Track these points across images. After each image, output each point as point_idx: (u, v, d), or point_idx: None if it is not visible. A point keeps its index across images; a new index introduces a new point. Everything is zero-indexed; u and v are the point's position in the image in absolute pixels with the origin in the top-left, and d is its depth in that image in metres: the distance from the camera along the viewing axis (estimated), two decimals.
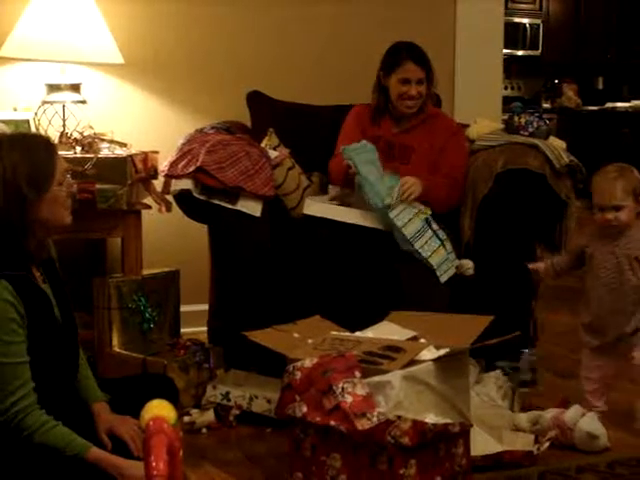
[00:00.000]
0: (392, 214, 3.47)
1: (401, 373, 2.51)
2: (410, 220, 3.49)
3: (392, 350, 2.66)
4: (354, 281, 3.46)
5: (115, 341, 3.51)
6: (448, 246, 3.51)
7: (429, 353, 2.64)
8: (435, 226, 3.54)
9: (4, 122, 3.73)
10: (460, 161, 3.80)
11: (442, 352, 2.62)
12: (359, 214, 3.57)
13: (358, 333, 2.94)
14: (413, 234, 3.45)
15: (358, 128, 3.88)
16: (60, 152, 3.41)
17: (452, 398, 2.58)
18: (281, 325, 3.06)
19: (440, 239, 3.50)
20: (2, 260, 2.32)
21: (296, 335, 2.96)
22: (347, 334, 2.92)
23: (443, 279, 3.45)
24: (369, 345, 2.73)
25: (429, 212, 3.56)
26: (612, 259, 3.10)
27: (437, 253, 3.47)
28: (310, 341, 2.87)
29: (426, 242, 3.46)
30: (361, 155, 3.60)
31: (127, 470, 2.33)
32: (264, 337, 2.95)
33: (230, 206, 3.48)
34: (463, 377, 2.68)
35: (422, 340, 2.83)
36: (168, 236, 4.16)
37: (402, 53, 3.79)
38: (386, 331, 2.92)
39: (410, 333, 2.88)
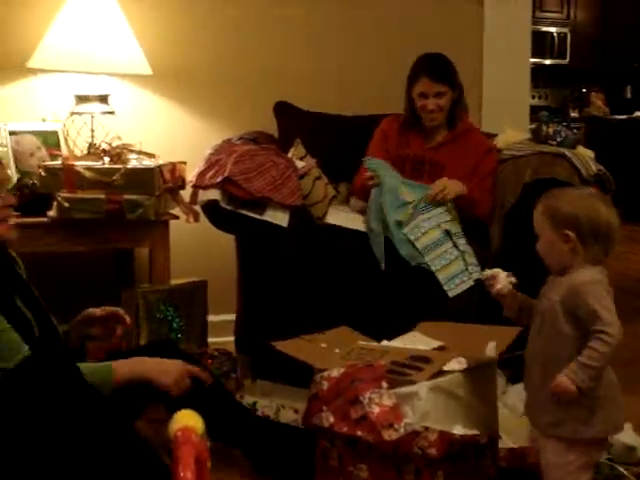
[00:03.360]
0: (405, 229, 3.47)
1: (428, 384, 2.50)
2: (425, 233, 3.47)
3: (419, 360, 2.65)
4: (381, 290, 3.46)
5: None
6: (469, 259, 3.47)
7: (457, 364, 2.62)
8: (457, 238, 3.51)
9: (33, 133, 3.77)
10: (491, 180, 3.78)
11: (470, 363, 2.61)
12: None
13: (385, 343, 2.93)
14: (426, 245, 3.44)
15: (383, 148, 3.87)
16: (88, 163, 3.49)
17: (480, 409, 2.57)
18: (308, 335, 3.06)
19: (460, 251, 3.48)
20: None
21: (323, 345, 2.96)
22: (374, 344, 2.91)
23: (452, 293, 3.40)
24: (396, 355, 2.72)
25: (453, 226, 3.53)
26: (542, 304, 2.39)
27: (450, 266, 3.43)
28: (337, 351, 2.87)
29: (439, 255, 3.43)
30: (385, 168, 3.63)
31: (158, 380, 2.42)
32: (291, 347, 2.95)
33: (257, 216, 3.49)
34: (491, 388, 2.67)
35: (449, 351, 2.82)
36: (196, 246, 4.17)
37: (419, 67, 3.79)
38: (413, 341, 2.90)
39: (437, 343, 2.86)
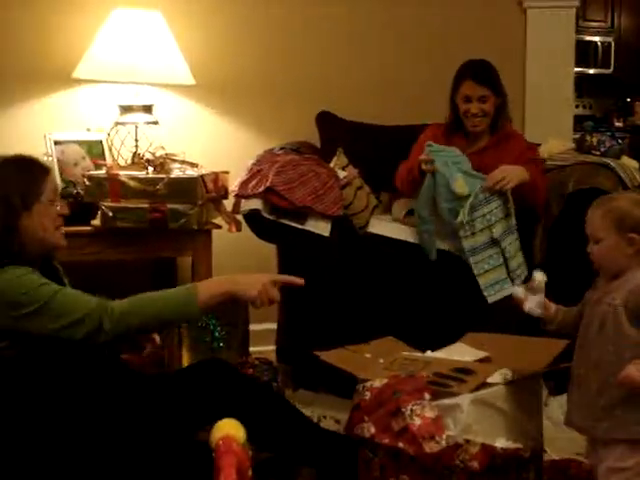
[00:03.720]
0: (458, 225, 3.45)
1: (470, 396, 2.48)
2: (474, 234, 3.45)
3: (462, 372, 2.62)
4: (425, 298, 3.45)
5: (185, 360, 3.53)
6: (513, 264, 3.46)
7: (502, 376, 2.60)
8: (508, 235, 3.48)
9: (78, 143, 3.80)
10: (537, 167, 3.72)
11: (514, 375, 2.59)
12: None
13: (429, 353, 2.91)
14: (472, 247, 3.43)
15: None
16: (132, 172, 3.52)
17: (524, 422, 2.54)
18: (353, 345, 3.03)
19: (505, 257, 3.46)
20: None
21: (367, 355, 2.93)
22: (418, 354, 2.89)
23: (491, 299, 3.41)
24: (439, 366, 2.70)
25: (506, 224, 3.50)
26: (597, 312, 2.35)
27: (493, 272, 3.43)
28: (381, 361, 2.85)
29: (483, 259, 3.42)
30: (443, 156, 3.58)
31: (242, 293, 2.50)
32: (335, 357, 2.93)
33: (299, 226, 3.50)
34: (535, 401, 2.64)
35: (494, 362, 2.78)
36: (238, 255, 4.18)
37: (464, 71, 3.79)
38: (459, 352, 2.88)
39: (483, 354, 2.83)
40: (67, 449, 2.33)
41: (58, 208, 2.59)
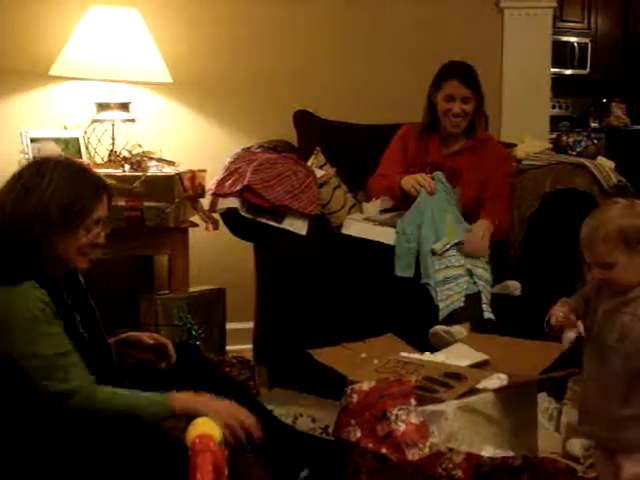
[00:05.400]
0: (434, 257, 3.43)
1: (457, 403, 2.45)
2: (447, 267, 3.41)
3: (452, 377, 2.58)
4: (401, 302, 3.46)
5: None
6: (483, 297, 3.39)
7: (498, 380, 2.57)
8: (479, 272, 3.43)
9: (54, 140, 3.79)
10: (507, 186, 3.76)
11: (510, 381, 2.56)
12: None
13: (427, 354, 2.89)
14: (443, 279, 3.38)
15: (402, 153, 3.88)
16: (109, 170, 3.51)
17: (515, 429, 2.51)
18: (351, 343, 2.99)
19: (465, 288, 3.37)
20: (28, 269, 2.31)
21: (363, 355, 2.90)
22: (414, 356, 2.85)
23: (442, 314, 3.35)
24: (431, 370, 2.66)
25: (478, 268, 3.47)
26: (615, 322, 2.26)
27: (452, 298, 3.37)
28: (376, 362, 2.81)
29: (449, 288, 3.37)
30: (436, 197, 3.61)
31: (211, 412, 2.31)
32: (329, 356, 2.89)
33: (276, 225, 3.50)
34: (529, 407, 2.63)
35: (491, 366, 2.75)
36: (214, 254, 4.18)
37: (449, 70, 3.79)
38: (457, 353, 2.85)
39: (482, 357, 2.80)
40: (48, 449, 2.30)
41: (96, 233, 2.38)
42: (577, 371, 2.47)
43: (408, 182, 3.68)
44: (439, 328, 3.17)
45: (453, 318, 3.28)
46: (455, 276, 3.38)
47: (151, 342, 2.65)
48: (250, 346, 3.71)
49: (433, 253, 3.41)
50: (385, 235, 3.59)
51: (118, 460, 2.27)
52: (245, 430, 2.36)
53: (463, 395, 2.51)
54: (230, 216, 3.52)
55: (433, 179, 3.64)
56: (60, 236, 2.31)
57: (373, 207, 3.79)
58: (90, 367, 2.37)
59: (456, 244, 3.44)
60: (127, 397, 2.34)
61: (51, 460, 2.25)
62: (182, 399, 2.37)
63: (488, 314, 3.31)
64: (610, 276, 2.22)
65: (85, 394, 2.28)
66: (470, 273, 3.39)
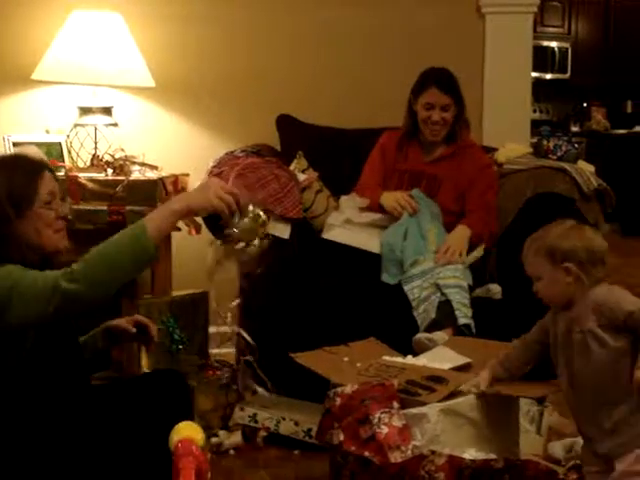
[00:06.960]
0: (411, 271, 3.45)
1: (439, 406, 2.46)
2: (424, 287, 3.40)
3: (434, 380, 2.60)
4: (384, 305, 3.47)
5: (144, 362, 3.51)
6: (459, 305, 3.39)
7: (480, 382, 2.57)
8: (450, 282, 3.39)
9: (36, 144, 3.78)
10: (491, 196, 3.76)
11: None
12: (378, 243, 3.60)
13: (410, 357, 2.90)
14: (419, 295, 3.39)
15: (382, 163, 3.88)
16: (91, 174, 3.51)
17: (497, 432, 2.52)
18: (332, 347, 3.01)
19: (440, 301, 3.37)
20: None
21: (345, 359, 2.91)
22: (395, 359, 2.87)
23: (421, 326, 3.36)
24: (413, 373, 2.68)
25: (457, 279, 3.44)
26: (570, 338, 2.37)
27: (427, 311, 3.37)
28: (358, 365, 2.82)
29: (425, 302, 3.38)
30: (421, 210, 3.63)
31: (193, 205, 2.43)
32: (311, 359, 2.89)
33: None
34: (511, 410, 2.64)
35: (473, 369, 2.76)
36: (197, 258, 4.16)
37: (428, 78, 3.78)
38: (440, 357, 2.86)
39: (464, 360, 2.81)
40: (32, 451, 2.29)
41: (58, 209, 2.39)
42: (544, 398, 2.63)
43: (388, 201, 3.69)
44: (422, 336, 3.18)
45: (433, 326, 3.29)
46: (427, 295, 3.38)
47: (134, 331, 2.66)
48: (233, 350, 3.71)
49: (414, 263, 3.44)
50: (370, 243, 3.60)
51: (101, 464, 2.27)
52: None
53: (445, 398, 2.52)
54: (212, 220, 3.51)
55: (412, 196, 3.65)
56: (22, 224, 2.32)
57: (353, 202, 3.79)
58: (58, 369, 2.37)
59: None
60: (104, 252, 2.32)
61: (33, 463, 2.26)
62: (154, 223, 2.36)
63: (463, 319, 3.29)
64: (539, 288, 2.39)
65: (60, 281, 2.25)
66: (438, 288, 3.37)
